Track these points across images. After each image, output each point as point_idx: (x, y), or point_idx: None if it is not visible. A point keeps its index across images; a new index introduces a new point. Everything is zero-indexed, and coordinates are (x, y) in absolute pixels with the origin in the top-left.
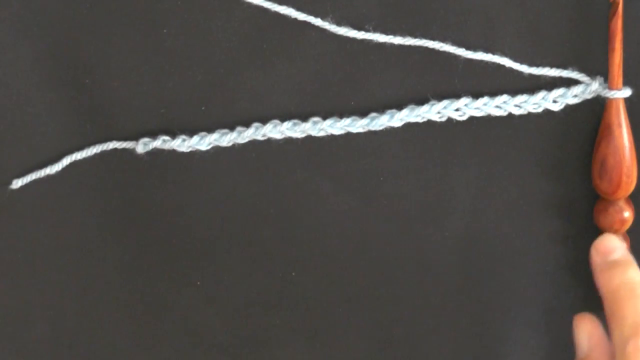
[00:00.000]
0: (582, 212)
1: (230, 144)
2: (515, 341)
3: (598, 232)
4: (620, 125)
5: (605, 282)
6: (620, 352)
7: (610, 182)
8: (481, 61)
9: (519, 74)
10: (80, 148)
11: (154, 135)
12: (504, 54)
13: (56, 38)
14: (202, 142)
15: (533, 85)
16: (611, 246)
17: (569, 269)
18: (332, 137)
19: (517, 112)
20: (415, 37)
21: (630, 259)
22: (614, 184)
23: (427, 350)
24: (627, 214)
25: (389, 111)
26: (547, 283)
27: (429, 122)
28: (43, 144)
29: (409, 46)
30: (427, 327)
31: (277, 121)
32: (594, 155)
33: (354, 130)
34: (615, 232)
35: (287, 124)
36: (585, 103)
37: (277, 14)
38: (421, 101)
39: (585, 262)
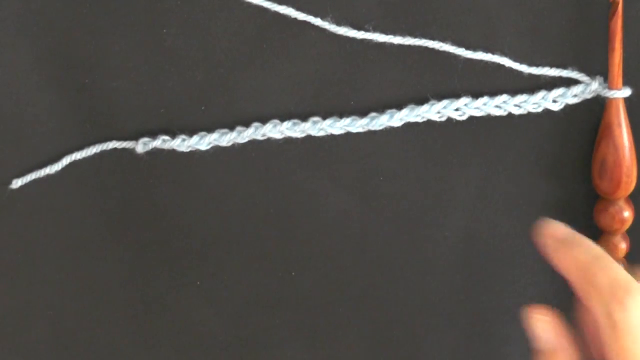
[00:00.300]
0: (582, 212)
1: (230, 144)
2: (515, 341)
3: (598, 232)
4: (620, 125)
5: (572, 260)
6: (606, 319)
7: (610, 182)
8: (481, 61)
9: (519, 74)
10: (80, 148)
11: (154, 135)
12: (504, 54)
13: (56, 38)
14: (202, 142)
15: (533, 85)
16: (564, 229)
17: None
18: (332, 137)
19: (517, 112)
20: (415, 37)
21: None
22: (614, 184)
23: (427, 350)
24: (627, 214)
25: (389, 111)
26: (547, 283)
27: (429, 122)
28: (43, 144)
29: (409, 46)
30: (427, 327)
31: (277, 121)
32: (594, 155)
33: (354, 130)
34: (615, 232)
35: (287, 124)
36: (585, 103)
37: (277, 14)
38: (421, 101)
39: None
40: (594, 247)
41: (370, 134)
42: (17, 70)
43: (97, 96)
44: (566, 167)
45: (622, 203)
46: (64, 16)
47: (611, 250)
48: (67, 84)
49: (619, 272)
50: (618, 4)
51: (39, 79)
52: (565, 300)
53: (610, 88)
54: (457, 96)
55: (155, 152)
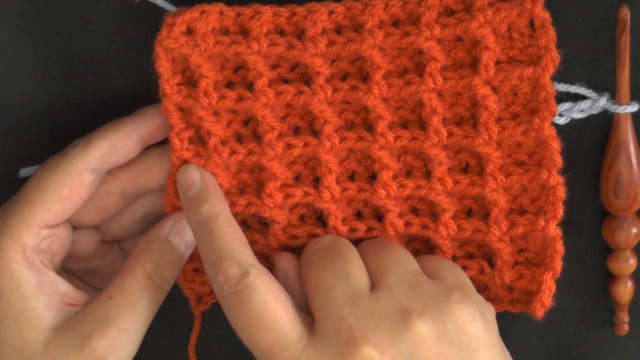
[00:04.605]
0: (589, 229)
1: None
2: (515, 341)
3: (604, 247)
4: (633, 141)
5: (189, 221)
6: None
7: (626, 198)
8: None
9: None
10: None
11: None
12: None
13: (57, 37)
14: None
15: None
16: (190, 180)
17: (570, 268)
18: None
19: None
20: None
21: (207, 190)
22: (631, 199)
23: None
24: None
25: None
26: None
27: None
28: (43, 144)
29: None
30: None
31: None
32: (605, 173)
33: None
34: (629, 247)
35: None
36: (590, 118)
37: None
38: None
39: (586, 262)
40: (205, 210)
41: None
42: (17, 70)
43: (97, 96)
44: (570, 180)
45: (632, 218)
46: (65, 15)
47: (622, 265)
48: (67, 84)
49: (218, 244)
50: (626, 21)
51: (39, 78)
52: (564, 301)
53: (619, 103)
54: None
55: None
